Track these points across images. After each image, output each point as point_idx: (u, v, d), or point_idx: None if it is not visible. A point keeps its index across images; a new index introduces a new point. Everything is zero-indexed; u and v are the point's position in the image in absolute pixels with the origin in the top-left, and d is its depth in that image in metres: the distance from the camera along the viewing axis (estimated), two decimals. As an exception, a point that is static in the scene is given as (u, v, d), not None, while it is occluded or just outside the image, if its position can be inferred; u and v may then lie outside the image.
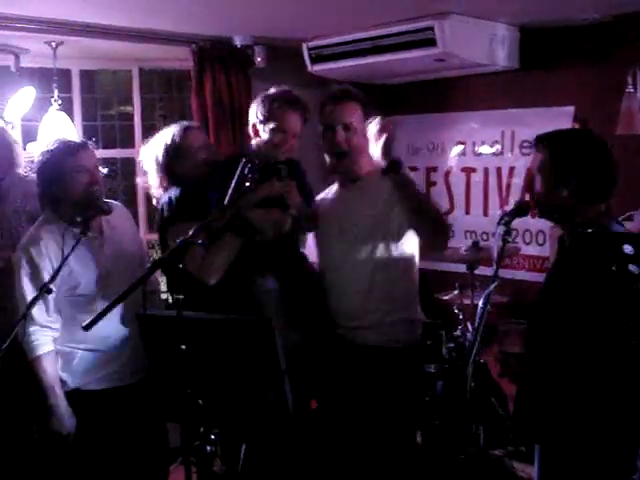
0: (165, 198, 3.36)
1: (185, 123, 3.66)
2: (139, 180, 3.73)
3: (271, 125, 3.11)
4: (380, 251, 3.07)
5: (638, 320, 2.28)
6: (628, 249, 2.21)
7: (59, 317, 3.19)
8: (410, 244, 3.11)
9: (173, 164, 3.46)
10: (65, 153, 3.18)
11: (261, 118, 3.14)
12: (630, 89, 4.25)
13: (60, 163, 3.15)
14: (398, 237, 3.08)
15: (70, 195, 3.15)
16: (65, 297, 3.16)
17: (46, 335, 3.15)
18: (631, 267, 2.16)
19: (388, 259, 3.06)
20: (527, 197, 5.00)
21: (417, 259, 3.21)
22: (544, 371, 2.53)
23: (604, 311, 2.34)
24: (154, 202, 3.60)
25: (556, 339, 2.49)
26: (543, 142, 2.62)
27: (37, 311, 3.08)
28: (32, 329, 3.11)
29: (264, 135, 3.15)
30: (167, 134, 3.52)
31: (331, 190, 3.32)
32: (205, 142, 3.69)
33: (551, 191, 2.55)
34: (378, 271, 3.07)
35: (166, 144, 3.48)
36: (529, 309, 2.75)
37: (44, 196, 3.25)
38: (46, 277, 3.03)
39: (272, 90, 3.22)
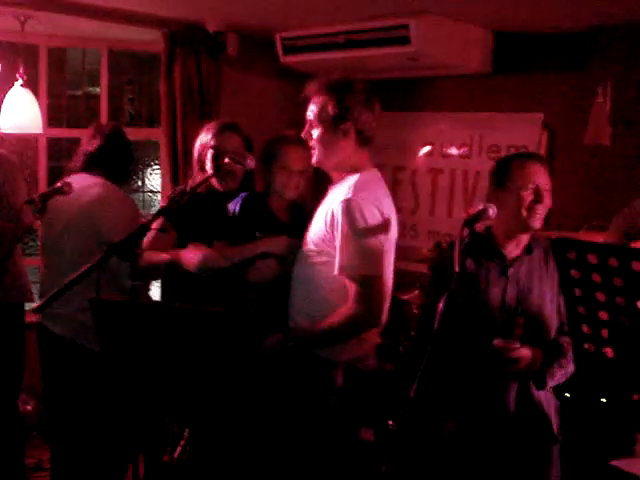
0: None
1: (225, 122, 3.37)
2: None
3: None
4: (305, 263, 2.95)
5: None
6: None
7: None
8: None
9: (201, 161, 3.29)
10: None
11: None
12: (600, 100, 4.27)
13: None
14: (316, 256, 2.90)
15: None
16: None
17: None
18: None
19: (309, 272, 2.93)
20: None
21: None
22: None
23: None
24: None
25: None
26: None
27: None
28: None
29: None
30: (206, 130, 3.32)
31: None
32: (238, 147, 3.28)
33: None
34: (302, 282, 2.96)
35: (200, 140, 3.30)
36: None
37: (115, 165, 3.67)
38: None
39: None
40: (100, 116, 5.42)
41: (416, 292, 4.75)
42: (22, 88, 4.64)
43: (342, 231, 2.75)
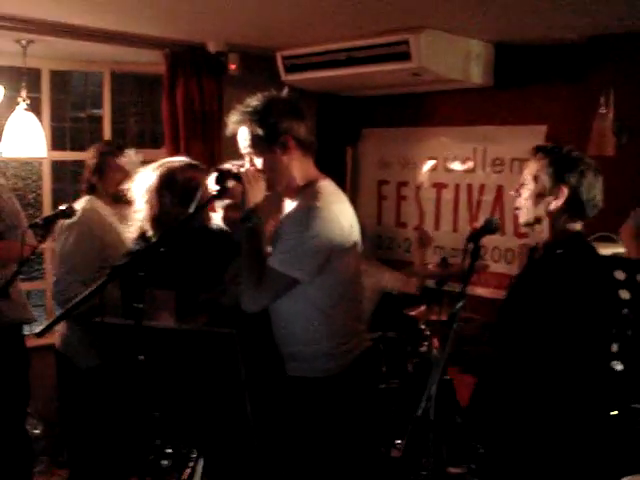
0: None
1: (189, 160, 3.15)
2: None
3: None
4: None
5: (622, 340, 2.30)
6: (620, 275, 2.20)
7: None
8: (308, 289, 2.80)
9: (173, 205, 2.98)
10: None
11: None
12: (603, 110, 4.25)
13: None
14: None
15: None
16: None
17: None
18: (621, 292, 2.15)
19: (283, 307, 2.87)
20: (497, 215, 5.01)
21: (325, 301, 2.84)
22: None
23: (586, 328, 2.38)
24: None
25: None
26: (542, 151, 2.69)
27: None
28: None
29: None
30: (167, 167, 3.04)
31: None
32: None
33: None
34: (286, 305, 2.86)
35: (166, 178, 3.00)
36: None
37: None
38: None
39: None
40: (103, 138, 5.42)
41: (423, 308, 4.74)
42: (25, 112, 4.66)
43: (290, 227, 2.73)
